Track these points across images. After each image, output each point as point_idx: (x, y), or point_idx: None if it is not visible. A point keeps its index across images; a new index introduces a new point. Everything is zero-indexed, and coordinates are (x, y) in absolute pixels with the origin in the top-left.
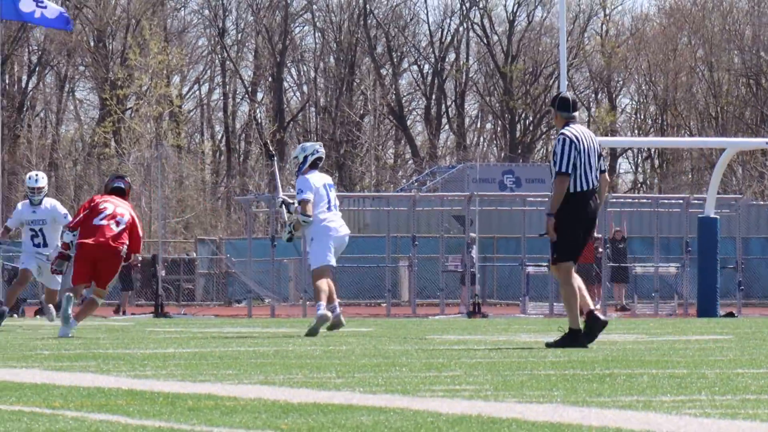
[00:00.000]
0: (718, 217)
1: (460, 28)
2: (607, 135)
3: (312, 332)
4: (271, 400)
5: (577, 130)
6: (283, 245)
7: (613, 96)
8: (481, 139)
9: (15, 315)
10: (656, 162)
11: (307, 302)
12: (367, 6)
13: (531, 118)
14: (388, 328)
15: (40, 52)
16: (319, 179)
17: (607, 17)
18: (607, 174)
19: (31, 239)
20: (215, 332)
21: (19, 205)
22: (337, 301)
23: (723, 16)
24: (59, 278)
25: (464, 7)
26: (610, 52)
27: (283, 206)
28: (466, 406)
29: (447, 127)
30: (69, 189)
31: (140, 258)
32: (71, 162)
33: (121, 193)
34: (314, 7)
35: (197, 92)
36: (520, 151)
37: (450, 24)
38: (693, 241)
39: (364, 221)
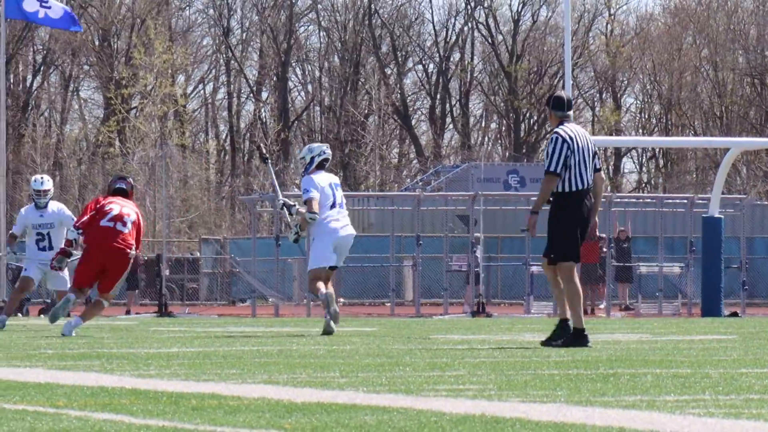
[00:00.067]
0: (722, 216)
1: (465, 28)
2: (611, 134)
3: (332, 319)
4: (274, 400)
5: (571, 129)
6: (288, 245)
7: (618, 95)
8: (486, 138)
9: (19, 314)
10: (661, 162)
11: (311, 302)
12: (372, 5)
13: (536, 118)
14: (391, 328)
15: (44, 52)
16: (325, 179)
17: (612, 17)
18: (602, 172)
19: (36, 243)
20: (219, 332)
21: (23, 210)
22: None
23: (728, 16)
24: (66, 278)
25: (469, 7)
26: (614, 52)
27: (285, 208)
28: (469, 406)
29: (451, 126)
30: (73, 188)
31: (141, 256)
32: (76, 161)
33: (124, 194)
34: (319, 6)
35: (202, 91)
36: (524, 150)
37: (455, 23)
38: (697, 241)
39: (369, 221)
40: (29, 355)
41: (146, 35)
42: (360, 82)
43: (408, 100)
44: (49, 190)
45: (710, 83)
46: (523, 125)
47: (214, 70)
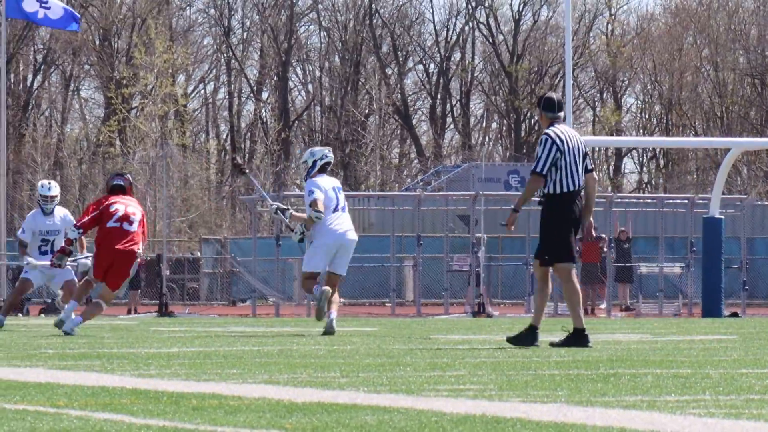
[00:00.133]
0: (722, 217)
1: (466, 28)
2: (612, 134)
3: (320, 312)
4: (275, 400)
5: (562, 130)
6: (288, 245)
7: (619, 95)
8: (487, 138)
9: (19, 314)
10: (661, 162)
11: (312, 302)
12: (373, 5)
13: (536, 118)
14: (392, 328)
15: (45, 51)
16: (328, 182)
17: (613, 17)
18: (594, 173)
19: (38, 248)
20: (219, 331)
21: (30, 216)
22: (333, 312)
23: (729, 16)
24: (70, 268)
25: (470, 7)
26: (615, 52)
27: (279, 212)
28: (470, 406)
29: (452, 126)
30: (74, 188)
31: (143, 254)
32: (76, 161)
33: (122, 191)
34: (320, 6)
35: (202, 91)
36: (525, 150)
37: (455, 23)
38: (698, 241)
39: (369, 221)
40: (30, 355)
41: (147, 35)
42: (360, 82)
43: (408, 100)
44: (56, 196)
45: (711, 83)
46: (523, 125)
47: (214, 70)
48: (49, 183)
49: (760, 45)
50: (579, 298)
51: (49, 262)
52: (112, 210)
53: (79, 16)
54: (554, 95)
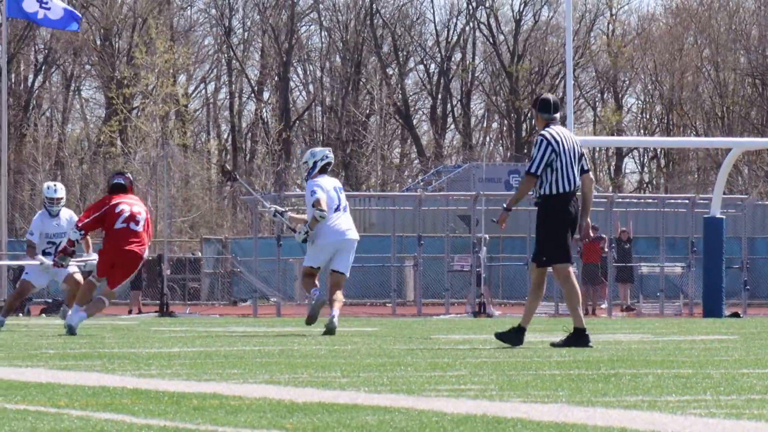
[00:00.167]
0: (723, 217)
1: (467, 28)
2: (612, 135)
3: (310, 318)
4: (276, 400)
5: (558, 131)
6: (290, 245)
7: (619, 95)
8: (487, 138)
9: (20, 314)
10: (662, 162)
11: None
12: (374, 5)
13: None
14: (393, 328)
15: (46, 51)
16: (329, 182)
17: (614, 17)
18: (590, 173)
19: (42, 250)
20: (220, 331)
21: (37, 217)
22: (336, 310)
23: (729, 16)
24: (74, 266)
25: (470, 7)
26: (616, 52)
27: (278, 215)
28: (471, 406)
29: (453, 126)
30: (75, 188)
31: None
32: (77, 161)
33: (123, 190)
34: (320, 6)
35: (203, 91)
36: (526, 150)
37: (456, 23)
38: (699, 241)
39: (370, 221)
40: (30, 355)
41: (148, 35)
42: (361, 82)
43: (409, 100)
44: (62, 198)
45: (712, 83)
46: (524, 125)
47: (215, 70)
48: (55, 185)
49: (761, 45)
50: (578, 297)
51: (51, 262)
52: (117, 211)
53: (80, 15)
54: (550, 96)
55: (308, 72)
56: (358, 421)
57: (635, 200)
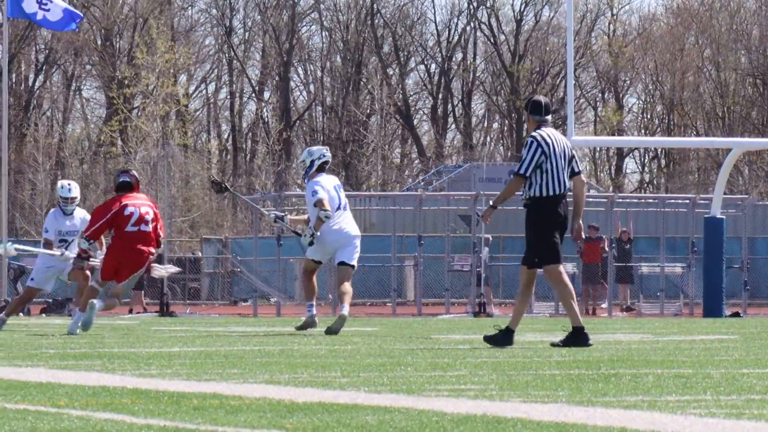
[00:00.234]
0: (724, 217)
1: (468, 28)
2: (613, 134)
3: (302, 327)
4: (276, 400)
5: (549, 133)
6: (290, 244)
7: (620, 95)
8: (488, 138)
9: (21, 314)
10: (663, 162)
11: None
12: (374, 5)
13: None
14: (393, 328)
15: (47, 51)
16: (328, 181)
17: (615, 17)
18: (582, 175)
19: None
20: (220, 331)
21: (51, 215)
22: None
23: (730, 16)
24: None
25: (471, 7)
26: (617, 52)
27: (278, 220)
28: (471, 406)
29: (453, 126)
30: None
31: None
32: (78, 161)
33: (129, 188)
34: (321, 6)
35: (204, 91)
36: None
37: (457, 23)
38: (699, 241)
39: (370, 220)
40: (31, 355)
41: (148, 35)
42: (362, 82)
43: (410, 100)
44: (76, 198)
45: (713, 83)
46: (525, 125)
47: (216, 70)
48: (69, 184)
49: (762, 45)
50: (572, 296)
51: (56, 268)
52: (127, 214)
53: (81, 15)
54: (542, 99)
55: (309, 72)
56: (358, 421)
57: (636, 200)
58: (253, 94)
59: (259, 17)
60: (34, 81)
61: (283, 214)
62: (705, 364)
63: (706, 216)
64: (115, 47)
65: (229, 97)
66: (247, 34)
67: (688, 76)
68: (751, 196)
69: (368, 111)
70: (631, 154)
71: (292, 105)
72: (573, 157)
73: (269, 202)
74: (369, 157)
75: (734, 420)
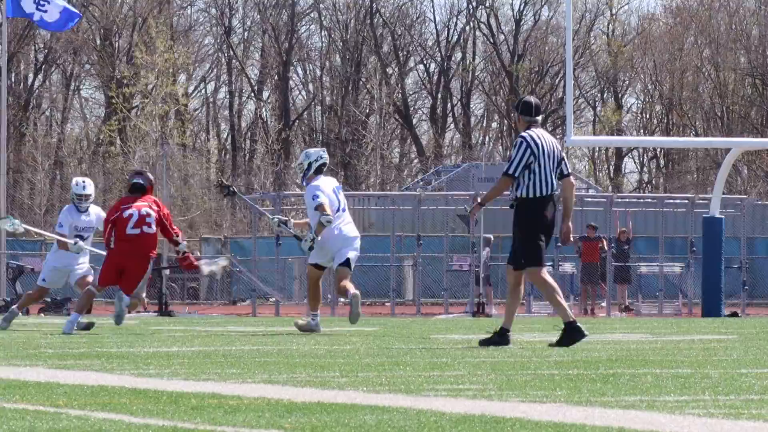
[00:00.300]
0: (723, 217)
1: (467, 27)
2: (612, 134)
3: (302, 328)
4: (274, 399)
5: (538, 134)
6: (289, 244)
7: (619, 95)
8: (487, 138)
9: (20, 313)
10: (661, 162)
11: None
12: (374, 5)
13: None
14: (392, 327)
15: (46, 51)
16: (328, 184)
17: (614, 17)
18: (571, 178)
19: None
20: (219, 331)
21: (65, 210)
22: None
23: (729, 16)
24: (89, 267)
25: (471, 6)
26: (616, 52)
27: (281, 225)
28: (469, 406)
29: (452, 126)
30: None
31: (184, 242)
32: (76, 160)
33: (142, 190)
34: (320, 5)
35: (203, 91)
36: None
37: (456, 23)
38: (698, 241)
39: (369, 220)
40: (29, 354)
41: (148, 34)
42: (361, 82)
43: (409, 100)
44: (90, 195)
45: (711, 83)
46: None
47: (215, 69)
48: (84, 181)
49: (761, 45)
50: (558, 292)
51: (69, 266)
52: (126, 216)
53: (80, 13)
54: (532, 99)
55: (308, 71)
56: (357, 421)
57: (635, 200)
58: (252, 94)
59: (258, 17)
60: (33, 80)
61: (286, 218)
62: (703, 364)
63: (704, 216)
64: (114, 47)
65: (228, 96)
66: (246, 33)
67: (687, 76)
68: (750, 195)
69: (367, 110)
70: (630, 154)
71: (291, 104)
72: (563, 159)
73: (268, 201)
74: (368, 157)
75: (733, 420)
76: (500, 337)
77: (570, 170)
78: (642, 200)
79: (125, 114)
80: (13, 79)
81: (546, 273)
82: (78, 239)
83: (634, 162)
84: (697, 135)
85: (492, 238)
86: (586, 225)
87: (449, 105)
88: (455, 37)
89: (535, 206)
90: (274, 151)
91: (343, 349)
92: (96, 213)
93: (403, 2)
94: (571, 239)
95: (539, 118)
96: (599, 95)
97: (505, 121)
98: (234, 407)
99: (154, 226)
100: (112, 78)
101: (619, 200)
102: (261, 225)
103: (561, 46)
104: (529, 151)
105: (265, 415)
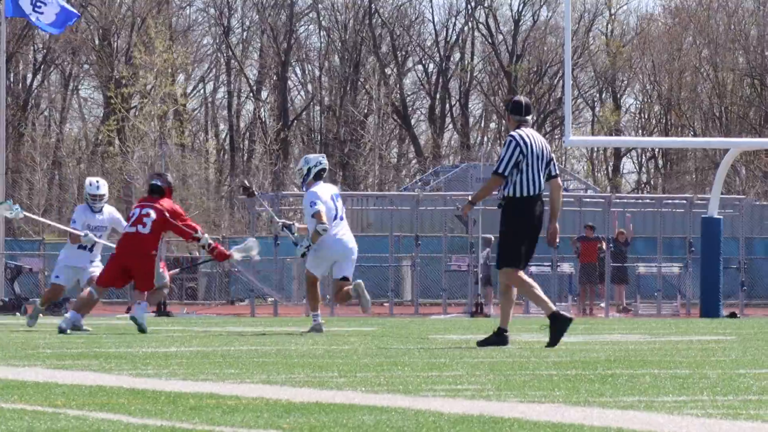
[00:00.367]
0: (721, 217)
1: (465, 28)
2: (611, 134)
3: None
4: (273, 400)
5: (528, 134)
6: (288, 244)
7: (618, 95)
8: (485, 138)
9: (18, 313)
10: (660, 162)
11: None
12: (372, 5)
13: (535, 118)
14: (390, 328)
15: (44, 51)
16: (326, 191)
17: (612, 17)
18: (559, 179)
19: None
20: (217, 331)
21: (79, 209)
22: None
23: (728, 16)
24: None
25: (469, 7)
26: (614, 52)
27: (285, 230)
28: (467, 406)
29: (451, 126)
30: (73, 187)
31: (206, 238)
32: (75, 160)
33: (160, 192)
34: (319, 6)
35: (202, 91)
36: None
37: (455, 23)
38: (696, 241)
39: (368, 220)
40: (28, 355)
41: (146, 34)
42: (360, 82)
43: (408, 100)
44: (104, 195)
45: (710, 84)
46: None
47: (214, 70)
48: (98, 181)
49: (760, 45)
50: (536, 288)
51: (81, 263)
52: (130, 214)
53: (78, 13)
54: (523, 99)
55: (307, 72)
56: (355, 421)
57: (633, 200)
58: (251, 94)
59: (257, 17)
60: (32, 80)
61: (291, 223)
62: (702, 365)
63: (703, 216)
64: (113, 47)
65: (226, 96)
66: (245, 33)
67: (685, 76)
68: (749, 196)
69: (366, 111)
70: (628, 154)
71: (289, 105)
72: (551, 159)
73: (267, 202)
74: (366, 157)
75: (731, 420)
76: (498, 338)
77: (558, 171)
78: (640, 200)
79: (124, 114)
80: (11, 79)
81: (521, 275)
82: (87, 231)
83: (633, 162)
84: (695, 135)
85: (492, 239)
86: (585, 225)
87: (448, 105)
88: (454, 38)
89: (523, 206)
90: (273, 152)
91: (341, 350)
92: (110, 213)
93: (402, 2)
94: (558, 241)
95: (529, 117)
96: (598, 95)
97: (503, 121)
98: (232, 407)
99: (149, 227)
100: (111, 78)
101: (618, 200)
102: (259, 225)
103: (560, 46)
104: (518, 150)
105: (264, 415)
